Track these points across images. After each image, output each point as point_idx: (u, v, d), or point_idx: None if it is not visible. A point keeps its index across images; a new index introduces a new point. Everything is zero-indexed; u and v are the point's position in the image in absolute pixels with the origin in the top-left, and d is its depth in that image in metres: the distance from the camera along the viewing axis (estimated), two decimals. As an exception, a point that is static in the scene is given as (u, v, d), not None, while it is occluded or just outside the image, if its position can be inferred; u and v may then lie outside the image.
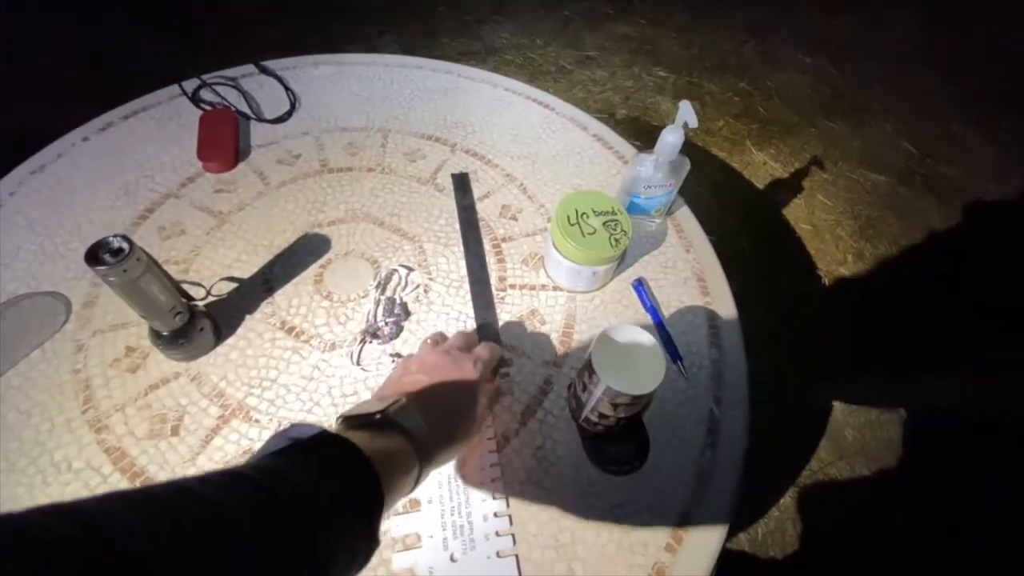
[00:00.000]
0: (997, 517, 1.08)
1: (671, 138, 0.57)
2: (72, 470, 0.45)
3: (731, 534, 1.01)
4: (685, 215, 0.70)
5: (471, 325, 0.57)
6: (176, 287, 0.48)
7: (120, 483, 0.44)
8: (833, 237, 1.64)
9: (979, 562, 1.04)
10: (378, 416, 0.34)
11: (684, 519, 0.46)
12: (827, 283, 1.52)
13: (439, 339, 0.50)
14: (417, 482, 0.35)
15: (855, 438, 1.21)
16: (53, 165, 0.66)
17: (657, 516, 0.46)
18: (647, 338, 0.42)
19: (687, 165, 0.61)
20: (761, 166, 1.82)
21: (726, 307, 0.61)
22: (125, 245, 0.41)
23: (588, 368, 0.42)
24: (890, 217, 1.70)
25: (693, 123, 0.54)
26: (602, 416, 0.45)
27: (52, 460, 0.45)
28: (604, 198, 0.58)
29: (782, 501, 1.11)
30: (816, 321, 1.44)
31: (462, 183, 0.68)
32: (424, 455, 0.34)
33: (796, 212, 1.70)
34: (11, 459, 0.45)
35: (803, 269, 1.56)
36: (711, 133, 1.89)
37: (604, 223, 0.56)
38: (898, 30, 2.40)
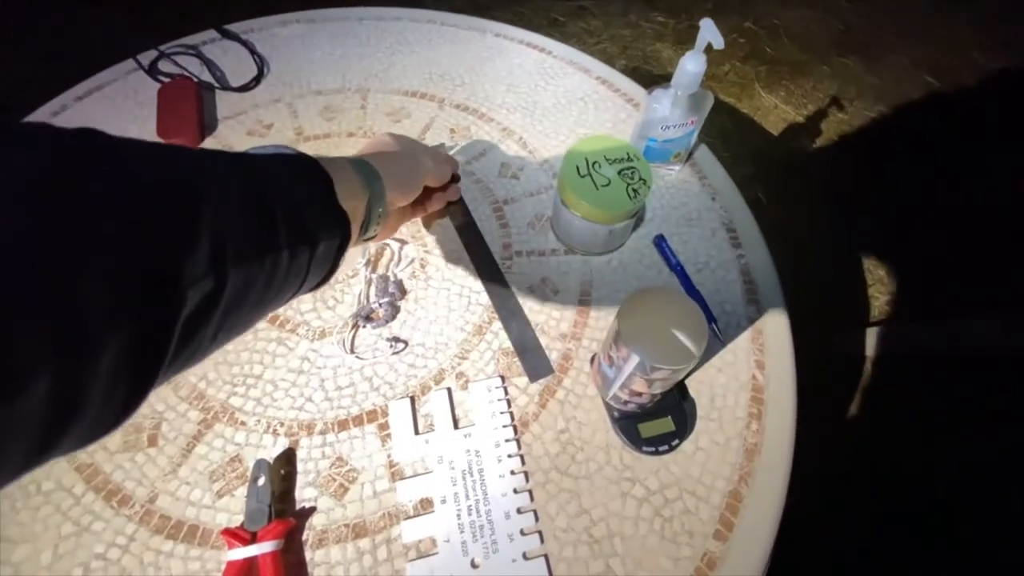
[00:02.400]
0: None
1: (692, 66, 0.49)
2: (42, 492, 0.40)
3: (786, 515, 0.97)
4: (706, 159, 0.62)
5: (477, 299, 0.50)
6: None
7: (95, 503, 0.39)
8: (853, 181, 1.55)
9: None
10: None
11: (733, 502, 0.40)
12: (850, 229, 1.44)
13: None
14: (369, 219, 0.35)
15: (890, 383, 1.16)
16: (0, 155, 0.59)
17: (702, 500, 0.40)
18: (681, 298, 0.36)
19: (710, 99, 0.53)
20: (772, 110, 1.72)
21: (761, 258, 0.54)
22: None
23: (614, 340, 0.36)
24: (912, 157, 1.60)
25: (718, 43, 0.47)
26: (634, 393, 0.39)
27: (19, 483, 0.40)
28: (617, 143, 0.50)
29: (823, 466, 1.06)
30: (843, 269, 1.37)
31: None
32: (371, 179, 0.35)
33: (812, 156, 1.60)
34: (-30, 486, 0.40)
35: (820, 217, 1.47)
36: (717, 79, 1.77)
37: (619, 172, 0.49)
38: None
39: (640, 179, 0.48)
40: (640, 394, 0.38)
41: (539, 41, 0.74)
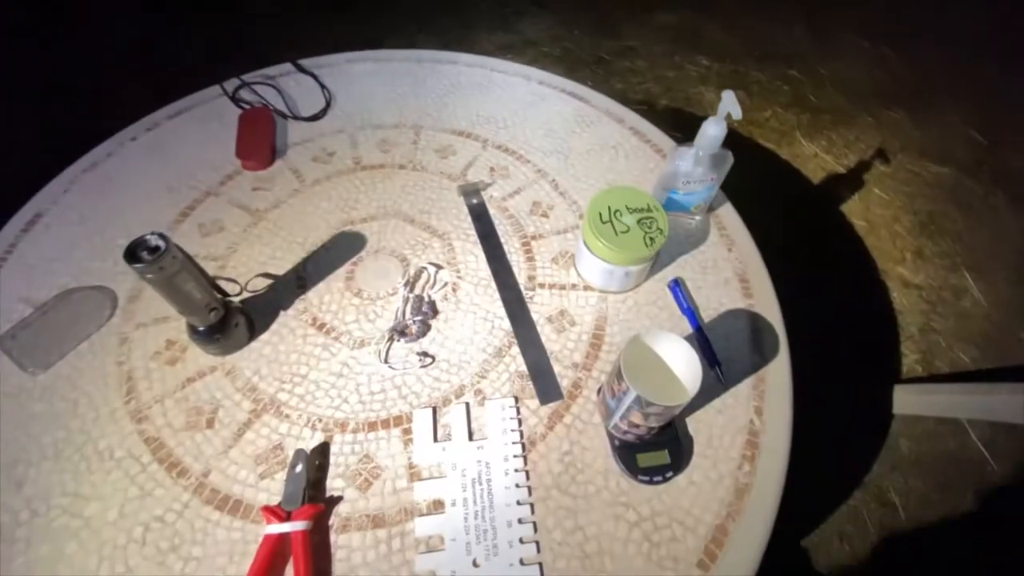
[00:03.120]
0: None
1: (712, 130, 0.54)
2: (114, 458, 0.46)
3: (770, 547, 0.97)
4: (728, 212, 0.66)
5: (500, 324, 0.56)
6: (211, 284, 0.49)
7: (158, 472, 0.46)
8: (890, 233, 1.54)
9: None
10: None
11: (719, 535, 0.43)
12: (883, 281, 1.43)
13: None
14: None
15: (910, 449, 1.14)
16: (104, 164, 0.69)
17: (689, 531, 0.44)
18: (682, 345, 0.40)
19: (730, 159, 0.58)
20: (811, 158, 1.73)
21: (770, 310, 0.57)
22: (161, 243, 0.42)
23: (617, 375, 0.41)
24: (954, 212, 1.58)
25: (737, 114, 0.51)
26: (632, 425, 0.43)
27: (96, 448, 0.47)
28: (639, 194, 0.55)
29: (828, 513, 1.06)
30: (871, 321, 1.36)
31: (473, 190, 0.67)
32: None
33: (850, 207, 1.60)
34: (58, 447, 0.47)
35: (856, 267, 1.47)
36: (758, 124, 1.80)
37: (639, 220, 0.53)
38: (964, 16, 2.22)
39: (657, 228, 0.53)
40: (638, 426, 0.42)
41: (579, 91, 0.80)
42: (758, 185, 1.60)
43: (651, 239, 0.52)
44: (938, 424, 1.17)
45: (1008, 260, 1.47)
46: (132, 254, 0.41)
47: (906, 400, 1.16)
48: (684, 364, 0.40)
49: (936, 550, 1.01)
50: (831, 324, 1.33)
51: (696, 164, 0.57)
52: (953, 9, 2.25)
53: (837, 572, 0.99)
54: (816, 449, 1.12)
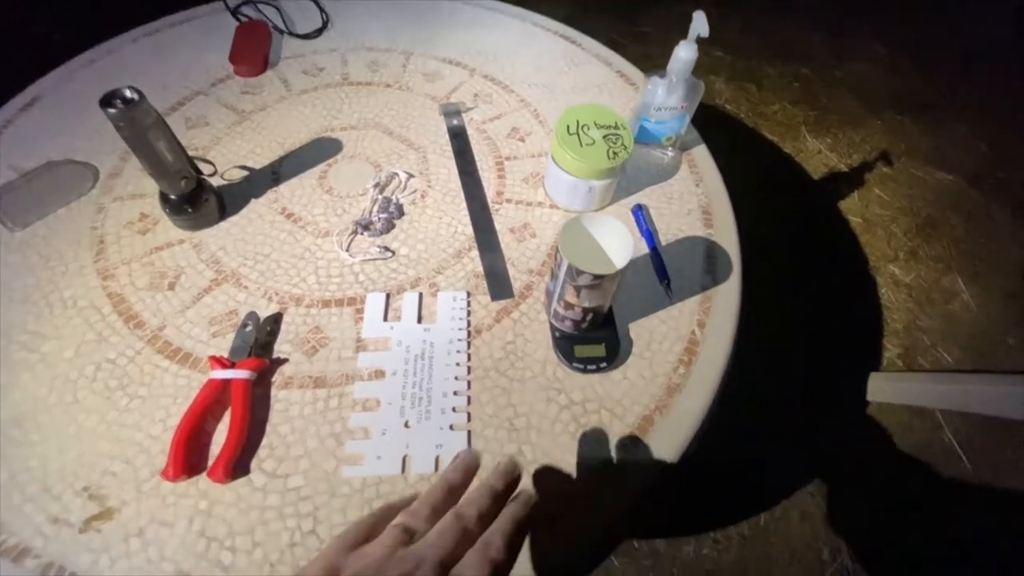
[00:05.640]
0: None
1: (684, 53, 0.55)
2: (76, 307, 0.49)
3: (731, 515, 0.98)
4: (702, 153, 0.67)
5: (463, 231, 0.57)
6: (185, 154, 0.51)
7: (116, 322, 0.48)
8: (886, 232, 1.54)
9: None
10: None
11: (645, 424, 0.45)
12: (874, 277, 1.43)
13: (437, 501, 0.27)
14: None
15: (880, 435, 1.14)
16: (103, 60, 0.71)
17: (617, 418, 0.45)
18: (617, 225, 0.42)
19: (701, 88, 0.59)
20: (815, 154, 1.73)
21: (729, 240, 0.59)
22: (135, 95, 0.44)
23: (556, 253, 0.42)
24: (954, 219, 1.58)
25: (705, 32, 0.53)
26: (568, 306, 0.44)
27: (61, 297, 0.49)
28: (608, 112, 0.57)
29: (793, 492, 1.06)
30: (856, 314, 1.36)
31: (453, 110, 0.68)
32: None
33: (848, 204, 1.60)
34: (26, 292, 0.49)
35: (848, 261, 1.47)
36: (764, 116, 1.80)
37: (605, 136, 0.55)
38: (987, 30, 2.20)
39: (622, 144, 0.54)
40: (572, 306, 0.44)
41: (571, 34, 0.81)
42: (758, 175, 1.62)
43: (614, 153, 0.54)
44: (912, 416, 1.17)
45: (1003, 270, 1.46)
46: (107, 102, 0.43)
47: (881, 387, 1.17)
48: (618, 242, 0.41)
49: (900, 536, 1.01)
50: (815, 311, 1.33)
51: (668, 92, 0.58)
52: (976, 22, 2.24)
53: (794, 546, 0.99)
54: (787, 429, 1.13)
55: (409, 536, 0.24)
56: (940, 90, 1.94)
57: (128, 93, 0.44)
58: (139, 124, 0.45)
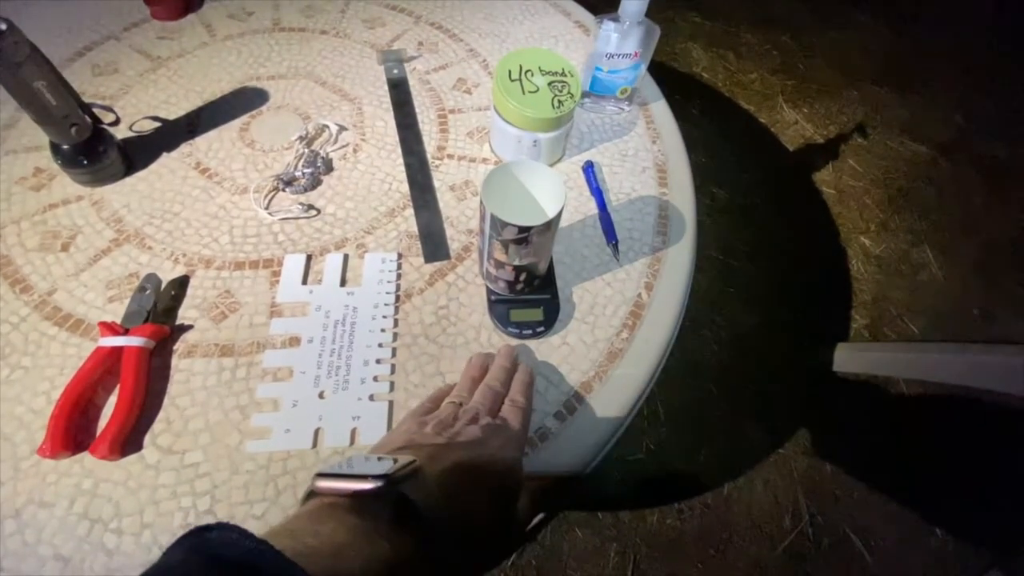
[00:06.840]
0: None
1: (635, -8, 0.50)
2: (-45, 270, 0.43)
3: (696, 487, 0.97)
4: (660, 109, 0.63)
5: (399, 188, 0.53)
6: (76, 98, 0.45)
7: (0, 286, 0.43)
8: (858, 204, 1.52)
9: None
10: (372, 488, 0.22)
11: (582, 392, 0.42)
12: (844, 248, 1.42)
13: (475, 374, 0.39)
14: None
15: (844, 405, 1.14)
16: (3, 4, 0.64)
17: (553, 385, 0.42)
18: (548, 172, 0.38)
19: (656, 32, 0.54)
20: (791, 125, 1.69)
21: (684, 199, 0.55)
22: (3, 25, 0.38)
23: (480, 204, 0.38)
24: (926, 190, 1.57)
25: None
26: (498, 264, 0.40)
27: (-63, 259, 0.44)
28: (555, 57, 0.52)
29: (756, 462, 1.06)
30: (825, 284, 1.35)
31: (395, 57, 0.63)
32: (435, 554, 0.22)
33: (822, 175, 1.58)
34: None
35: (819, 232, 1.45)
36: (742, 85, 1.76)
37: (550, 83, 0.50)
38: (968, 2, 2.17)
39: (568, 93, 0.50)
40: (503, 264, 0.40)
41: (528, -19, 0.75)
42: (733, 144, 1.58)
43: (560, 102, 0.49)
44: (877, 385, 1.17)
45: (972, 242, 1.46)
46: (-34, 31, 0.38)
47: (847, 358, 1.16)
48: (549, 192, 0.37)
49: (861, 503, 1.02)
50: (784, 282, 1.32)
51: (622, 37, 0.54)
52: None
53: (756, 516, 1.00)
54: (752, 399, 1.13)
55: (459, 405, 0.35)
56: (919, 60, 1.92)
57: (-6, 22, 0.38)
58: (8, 58, 0.39)
